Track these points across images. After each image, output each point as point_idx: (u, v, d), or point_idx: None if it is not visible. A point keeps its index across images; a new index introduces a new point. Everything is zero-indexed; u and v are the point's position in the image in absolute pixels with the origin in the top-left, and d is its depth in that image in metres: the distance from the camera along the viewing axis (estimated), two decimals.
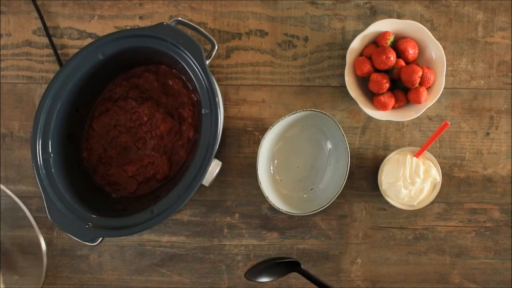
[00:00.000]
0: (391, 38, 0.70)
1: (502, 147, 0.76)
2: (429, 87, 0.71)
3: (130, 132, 0.73)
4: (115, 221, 0.64)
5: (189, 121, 0.71)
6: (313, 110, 0.70)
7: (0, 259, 0.77)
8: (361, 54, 0.72)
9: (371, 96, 0.72)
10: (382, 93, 0.70)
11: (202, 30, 0.68)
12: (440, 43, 0.70)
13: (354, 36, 0.72)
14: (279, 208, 0.70)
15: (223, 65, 0.76)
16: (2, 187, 0.76)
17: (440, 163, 0.73)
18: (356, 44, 0.71)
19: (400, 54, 0.70)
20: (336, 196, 0.70)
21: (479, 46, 0.75)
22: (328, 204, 0.70)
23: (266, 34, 0.76)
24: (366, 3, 0.75)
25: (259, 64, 0.76)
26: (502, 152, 0.76)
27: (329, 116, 0.69)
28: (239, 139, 0.76)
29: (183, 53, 0.64)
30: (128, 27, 0.76)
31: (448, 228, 0.76)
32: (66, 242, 0.76)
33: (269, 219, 0.76)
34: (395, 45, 0.71)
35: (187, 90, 0.72)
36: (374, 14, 0.75)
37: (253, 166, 0.75)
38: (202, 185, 0.64)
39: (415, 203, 0.71)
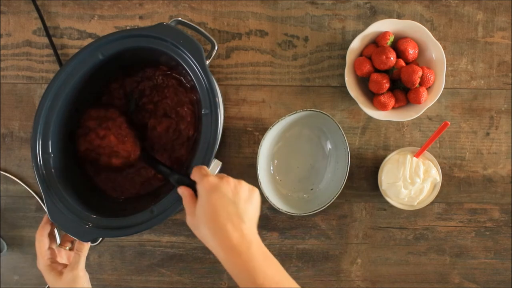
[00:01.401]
0: (391, 38, 0.70)
1: (502, 147, 0.76)
2: (429, 87, 0.71)
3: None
4: (115, 221, 0.64)
5: (188, 120, 0.71)
6: (313, 110, 0.70)
7: (0, 257, 0.77)
8: (361, 54, 0.72)
9: (371, 96, 0.72)
10: (382, 93, 0.70)
11: (202, 30, 0.68)
12: (440, 43, 0.70)
13: (354, 36, 0.72)
14: (279, 208, 0.70)
15: (223, 65, 0.76)
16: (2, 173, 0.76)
17: (440, 163, 0.73)
18: (356, 44, 0.71)
19: (400, 54, 0.70)
20: (336, 196, 0.70)
21: (479, 46, 0.75)
22: (328, 204, 0.70)
23: (266, 34, 0.76)
24: (366, 3, 0.75)
25: (259, 64, 0.76)
26: (502, 152, 0.76)
27: (329, 116, 0.69)
28: (239, 139, 0.76)
29: (183, 53, 0.64)
30: (128, 27, 0.76)
31: (448, 228, 0.76)
32: None
33: (269, 219, 0.76)
34: (395, 45, 0.71)
35: (186, 89, 0.72)
36: (374, 14, 0.75)
37: (253, 166, 0.75)
38: None
39: (415, 203, 0.71)
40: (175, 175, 0.62)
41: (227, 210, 0.53)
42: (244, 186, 0.57)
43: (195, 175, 0.58)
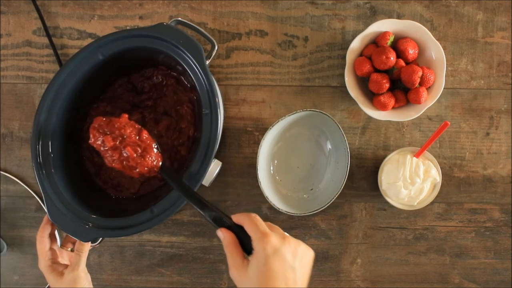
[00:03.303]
0: (391, 38, 0.70)
1: (502, 147, 0.76)
2: (429, 87, 0.71)
3: None
4: (115, 221, 0.64)
5: (188, 119, 0.71)
6: (313, 110, 0.70)
7: (0, 257, 0.77)
8: (361, 54, 0.72)
9: (371, 96, 0.72)
10: (382, 93, 0.70)
11: (202, 30, 0.68)
12: (440, 43, 0.70)
13: (354, 36, 0.72)
14: (279, 208, 0.70)
15: (223, 65, 0.76)
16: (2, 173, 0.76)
17: (440, 163, 0.73)
18: (356, 44, 0.71)
19: (400, 54, 0.70)
20: (336, 196, 0.70)
21: (479, 46, 0.75)
22: (328, 204, 0.70)
23: (266, 34, 0.76)
24: (366, 3, 0.75)
25: (259, 64, 0.76)
26: (502, 152, 0.76)
27: (329, 116, 0.69)
28: (239, 139, 0.76)
29: (183, 53, 0.64)
30: (128, 27, 0.76)
31: (448, 228, 0.76)
32: None
33: (269, 219, 0.76)
34: (395, 45, 0.71)
35: (185, 88, 0.72)
36: (374, 14, 0.75)
37: (253, 166, 0.75)
38: (202, 185, 0.64)
39: (415, 203, 0.71)
40: (211, 212, 0.55)
41: (285, 276, 0.50)
42: (304, 249, 0.53)
43: (248, 226, 0.52)
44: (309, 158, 0.75)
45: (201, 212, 0.57)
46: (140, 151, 0.63)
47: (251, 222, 0.52)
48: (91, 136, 0.64)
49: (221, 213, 0.55)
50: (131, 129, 0.64)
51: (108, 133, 0.63)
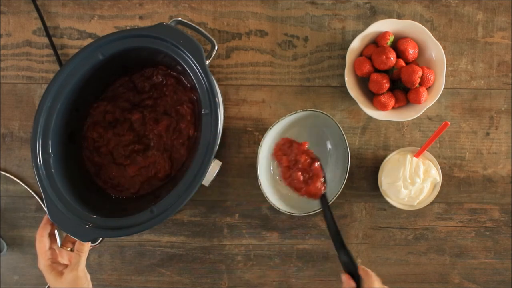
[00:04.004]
0: (391, 38, 0.70)
1: (502, 147, 0.76)
2: (429, 87, 0.71)
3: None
4: (115, 221, 0.64)
5: (188, 119, 0.71)
6: (313, 110, 0.70)
7: (0, 257, 0.77)
8: (361, 54, 0.72)
9: (371, 96, 0.72)
10: (382, 93, 0.70)
11: (202, 30, 0.68)
12: (440, 43, 0.70)
13: (354, 36, 0.72)
14: (279, 208, 0.70)
15: (223, 65, 0.76)
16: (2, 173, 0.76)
17: (440, 163, 0.73)
18: (356, 44, 0.71)
19: (400, 54, 0.70)
20: (336, 196, 0.70)
21: (479, 46, 0.75)
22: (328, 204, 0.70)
23: (266, 34, 0.76)
24: (366, 3, 0.75)
25: (259, 64, 0.76)
26: (502, 152, 0.76)
27: (329, 116, 0.69)
28: (239, 139, 0.76)
29: (183, 53, 0.64)
30: (128, 27, 0.76)
31: (448, 228, 0.76)
32: None
33: (269, 219, 0.76)
34: (395, 45, 0.71)
35: (185, 88, 0.72)
36: (374, 14, 0.75)
37: (253, 166, 0.75)
38: (202, 185, 0.64)
39: (415, 203, 0.71)
40: (346, 256, 0.62)
41: None
42: None
43: (369, 281, 0.60)
44: None
45: (337, 251, 0.63)
46: (307, 178, 0.68)
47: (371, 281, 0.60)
48: (276, 149, 0.70)
49: (353, 260, 0.62)
50: (306, 157, 0.68)
51: (286, 154, 0.69)
